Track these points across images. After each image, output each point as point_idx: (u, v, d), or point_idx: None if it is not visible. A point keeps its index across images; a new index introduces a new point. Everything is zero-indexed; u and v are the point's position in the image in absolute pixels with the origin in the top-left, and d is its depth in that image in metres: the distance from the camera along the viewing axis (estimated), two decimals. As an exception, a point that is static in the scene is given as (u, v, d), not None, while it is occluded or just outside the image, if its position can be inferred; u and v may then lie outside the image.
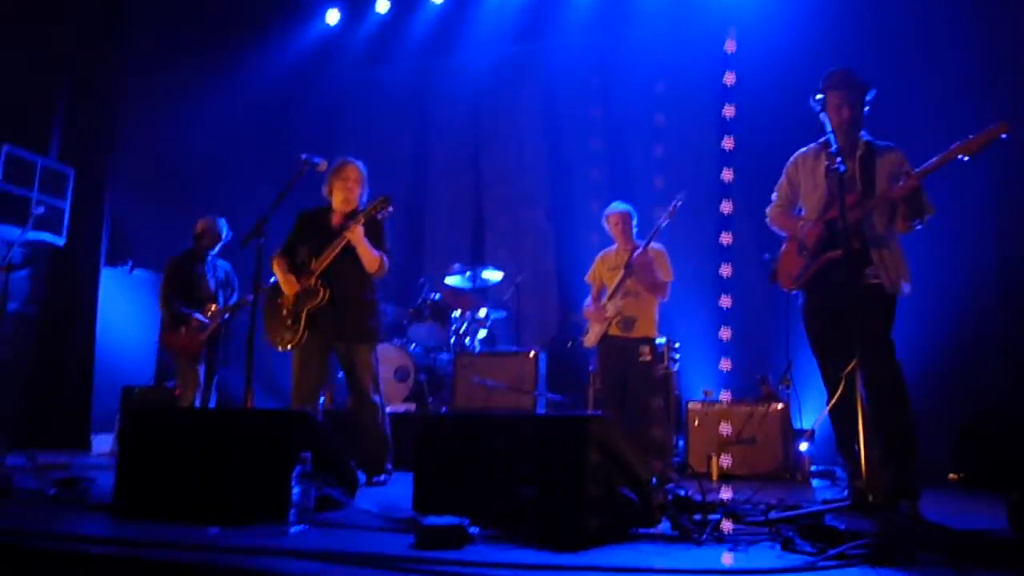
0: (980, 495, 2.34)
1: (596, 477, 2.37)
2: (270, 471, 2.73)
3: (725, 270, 6.47)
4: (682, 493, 2.64)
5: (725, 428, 5.53)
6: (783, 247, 3.84)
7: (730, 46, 6.94)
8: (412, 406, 6.18)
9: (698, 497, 2.55)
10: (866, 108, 3.70)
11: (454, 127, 9.02)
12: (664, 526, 2.51)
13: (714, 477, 5.31)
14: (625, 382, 5.01)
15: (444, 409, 6.05)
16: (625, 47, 8.17)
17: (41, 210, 6.41)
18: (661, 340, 5.83)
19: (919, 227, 3.46)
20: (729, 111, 7.03)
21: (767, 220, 3.97)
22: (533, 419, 2.79)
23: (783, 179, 3.92)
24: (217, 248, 5.78)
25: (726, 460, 5.36)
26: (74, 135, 7.85)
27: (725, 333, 6.41)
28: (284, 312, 4.39)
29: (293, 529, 2.50)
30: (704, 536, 2.31)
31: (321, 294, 4.31)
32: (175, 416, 3.86)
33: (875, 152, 3.62)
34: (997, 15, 5.99)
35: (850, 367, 2.99)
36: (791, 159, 3.92)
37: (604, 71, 8.30)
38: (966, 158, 3.19)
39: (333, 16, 9.24)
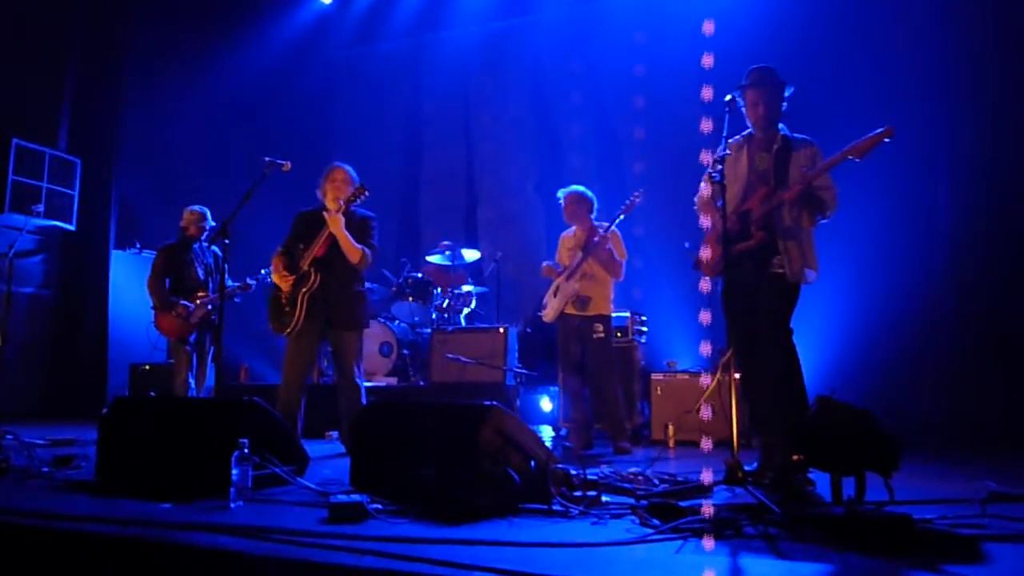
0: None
1: (486, 460, 2.72)
2: (218, 454, 3.11)
3: (704, 252, 6.76)
4: (573, 472, 2.97)
5: (706, 412, 5.77)
6: (706, 235, 4.10)
7: (708, 27, 7.07)
8: (394, 380, 6.58)
9: (584, 474, 2.89)
10: (784, 104, 3.91)
11: (445, 104, 9.26)
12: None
13: (671, 445, 5.65)
14: (582, 356, 5.34)
15: (422, 383, 6.44)
16: (606, 28, 8.31)
17: (40, 208, 6.87)
18: (624, 314, 6.16)
19: (823, 221, 3.71)
20: (707, 93, 7.22)
21: (695, 207, 4.21)
22: (439, 407, 3.11)
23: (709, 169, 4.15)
24: (203, 236, 6.13)
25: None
26: (80, 126, 8.30)
27: (705, 317, 6.71)
28: (283, 301, 4.81)
29: (232, 505, 2.89)
30: (576, 511, 2.66)
31: (312, 277, 4.72)
32: (145, 404, 4.28)
33: (791, 147, 3.84)
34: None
35: (727, 355, 3.28)
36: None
37: (587, 53, 8.47)
38: (857, 159, 3.42)
39: (327, -4, 9.51)
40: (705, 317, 6.70)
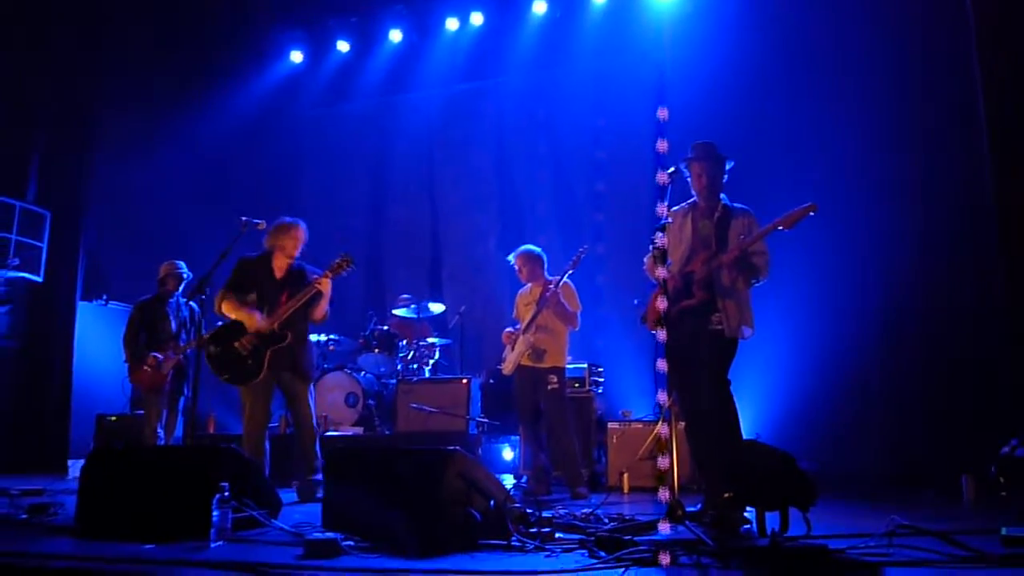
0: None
1: (450, 500, 2.98)
2: (198, 498, 3.31)
3: (660, 303, 7.13)
4: (529, 511, 3.25)
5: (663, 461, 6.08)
6: (652, 293, 4.45)
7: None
8: (360, 430, 6.78)
9: (538, 513, 3.17)
10: (725, 176, 4.31)
11: (410, 162, 9.62)
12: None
13: (625, 491, 5.92)
14: (538, 407, 5.62)
15: (387, 432, 6.65)
16: (567, 85, 8.81)
17: (16, 262, 7.00)
18: (582, 365, 6.48)
19: (757, 284, 4.09)
20: (663, 146, 7.63)
21: (644, 268, 4.58)
22: (406, 452, 3.38)
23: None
24: (180, 289, 6.34)
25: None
26: (50, 179, 8.44)
27: (662, 364, 7.08)
28: (243, 352, 4.95)
29: (213, 545, 3.10)
30: (531, 546, 2.93)
31: (287, 338, 4.95)
32: (125, 452, 4.45)
33: (731, 215, 4.23)
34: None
35: (669, 402, 3.61)
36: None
37: (549, 109, 8.94)
38: (786, 230, 3.82)
39: (297, 56, 9.90)
40: (662, 365, 7.08)
